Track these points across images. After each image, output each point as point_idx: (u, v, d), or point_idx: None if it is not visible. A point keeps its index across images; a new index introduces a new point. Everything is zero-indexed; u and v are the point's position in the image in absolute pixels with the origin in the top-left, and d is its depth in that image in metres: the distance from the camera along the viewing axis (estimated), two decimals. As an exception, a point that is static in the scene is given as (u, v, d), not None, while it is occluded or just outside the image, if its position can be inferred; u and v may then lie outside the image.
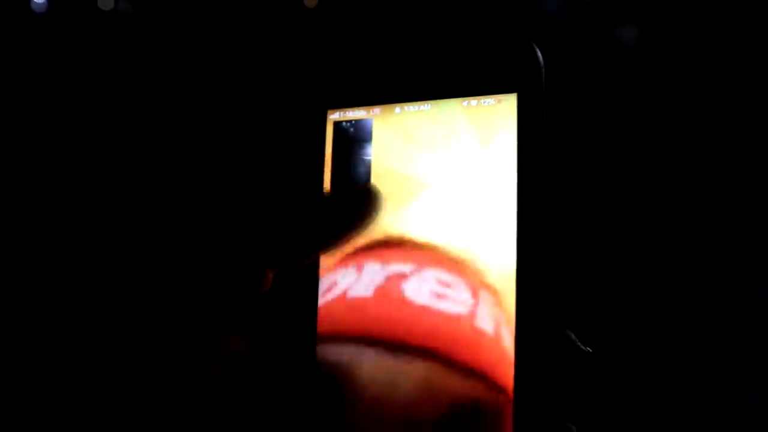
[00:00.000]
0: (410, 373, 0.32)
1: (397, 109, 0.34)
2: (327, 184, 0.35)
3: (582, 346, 0.31)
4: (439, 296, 0.32)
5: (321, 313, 0.34)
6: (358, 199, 0.33)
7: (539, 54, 0.32)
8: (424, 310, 0.32)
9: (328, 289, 0.34)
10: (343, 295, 0.34)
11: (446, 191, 0.33)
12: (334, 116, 0.35)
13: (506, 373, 0.30)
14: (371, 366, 0.32)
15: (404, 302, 0.32)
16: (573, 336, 0.31)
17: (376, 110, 0.34)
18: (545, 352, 0.30)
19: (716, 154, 0.27)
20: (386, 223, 0.33)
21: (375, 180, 0.34)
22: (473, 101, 0.33)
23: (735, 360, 0.27)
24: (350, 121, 0.35)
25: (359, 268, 0.33)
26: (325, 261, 0.34)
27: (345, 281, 0.34)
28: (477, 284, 0.31)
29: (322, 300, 0.34)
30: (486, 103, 0.32)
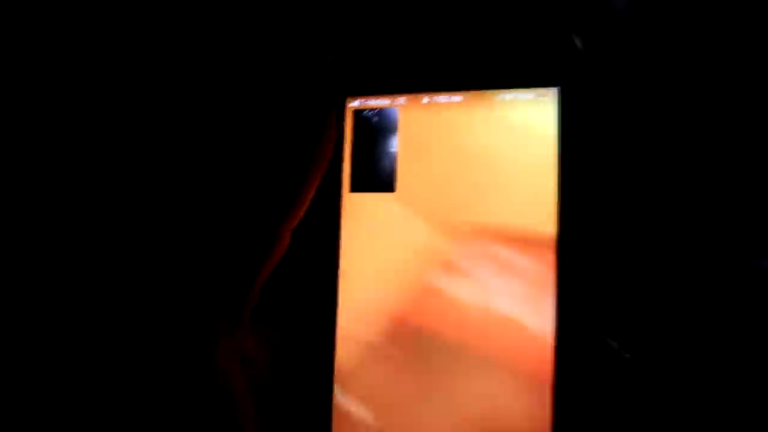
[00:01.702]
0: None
1: (425, 98, 0.32)
2: (346, 177, 0.32)
3: (619, 350, 0.30)
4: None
5: None
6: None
7: (582, 48, 0.30)
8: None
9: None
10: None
11: (478, 190, 0.30)
12: (354, 104, 0.32)
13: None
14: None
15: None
16: (614, 343, 0.30)
17: (401, 99, 0.32)
18: (586, 357, 0.29)
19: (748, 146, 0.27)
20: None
21: (400, 173, 0.31)
22: (508, 95, 0.31)
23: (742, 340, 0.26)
24: (373, 110, 0.32)
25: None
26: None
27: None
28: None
29: None
30: (523, 97, 0.31)
